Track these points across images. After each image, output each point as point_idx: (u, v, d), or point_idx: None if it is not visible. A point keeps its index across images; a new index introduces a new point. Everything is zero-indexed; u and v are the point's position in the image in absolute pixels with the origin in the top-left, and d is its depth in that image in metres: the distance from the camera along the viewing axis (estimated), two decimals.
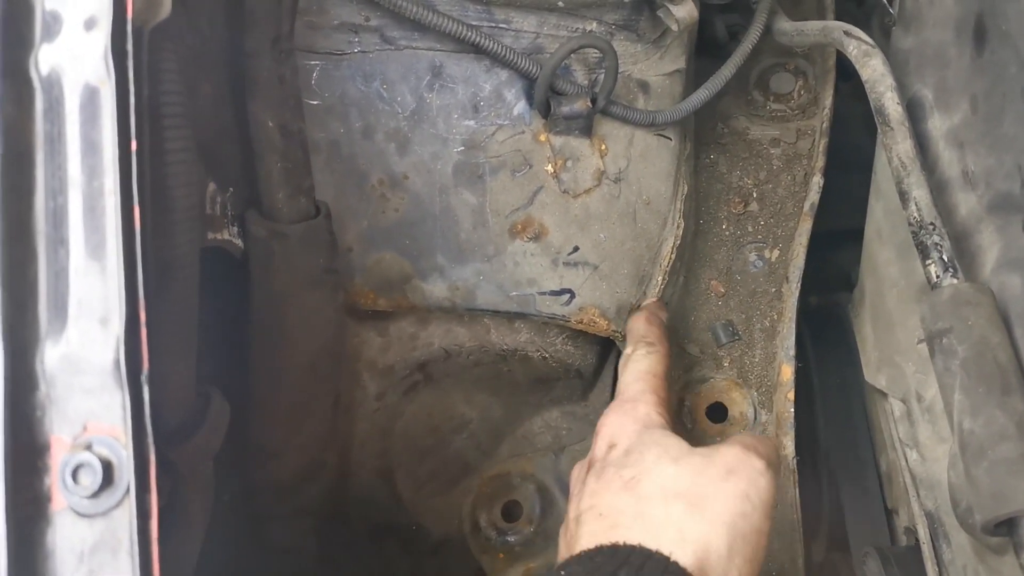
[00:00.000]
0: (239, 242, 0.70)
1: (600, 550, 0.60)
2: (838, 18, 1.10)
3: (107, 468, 0.42)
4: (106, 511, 0.41)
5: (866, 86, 0.80)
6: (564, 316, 0.86)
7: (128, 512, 0.41)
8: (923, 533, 0.83)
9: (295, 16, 0.71)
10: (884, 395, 0.94)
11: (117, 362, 0.43)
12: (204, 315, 0.68)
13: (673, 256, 0.91)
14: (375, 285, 0.82)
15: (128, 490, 0.41)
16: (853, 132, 1.08)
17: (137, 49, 0.46)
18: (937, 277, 0.68)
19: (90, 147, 0.44)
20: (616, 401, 0.79)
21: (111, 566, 0.41)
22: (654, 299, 0.90)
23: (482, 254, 0.84)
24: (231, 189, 0.69)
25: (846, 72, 1.06)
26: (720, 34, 1.03)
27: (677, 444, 0.70)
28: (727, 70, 0.91)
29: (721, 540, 0.62)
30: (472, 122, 0.82)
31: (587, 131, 0.85)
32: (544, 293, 0.86)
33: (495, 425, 1.00)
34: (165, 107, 0.49)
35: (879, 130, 0.78)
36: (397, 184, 0.82)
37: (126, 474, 0.42)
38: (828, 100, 1.01)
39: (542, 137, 0.84)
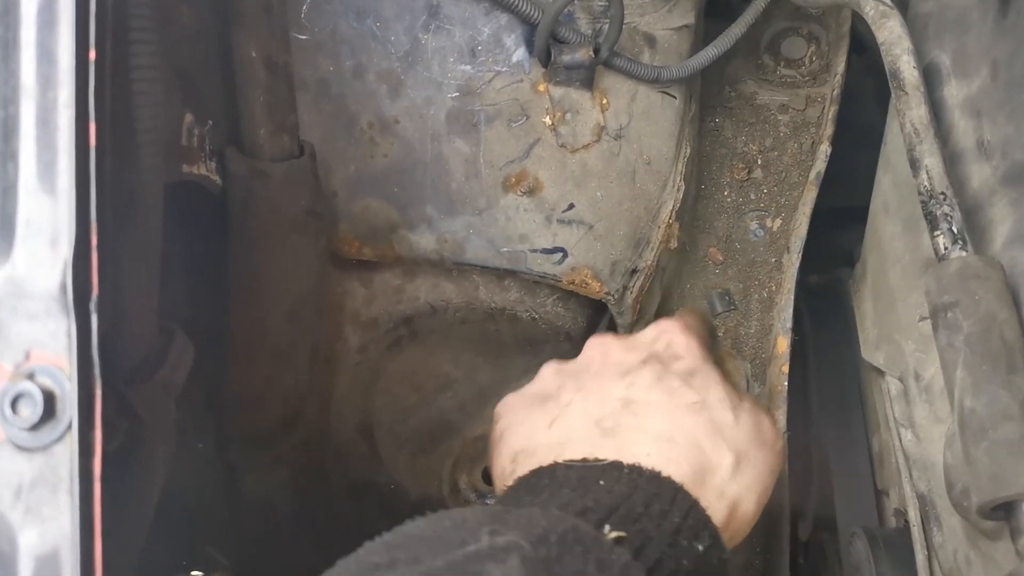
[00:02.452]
0: (217, 178, 0.67)
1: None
2: None
3: (49, 399, 0.39)
4: (46, 445, 0.39)
5: (881, 49, 0.76)
6: (555, 275, 0.83)
7: (70, 448, 0.38)
8: (913, 515, 0.81)
9: None
10: (881, 373, 0.91)
11: (64, 286, 0.40)
12: (179, 252, 0.65)
13: (672, 220, 0.88)
14: (360, 233, 0.79)
15: (71, 424, 0.39)
16: (864, 108, 1.04)
17: None
18: (945, 249, 0.65)
19: (45, 54, 0.41)
20: (675, 318, 0.76)
21: (50, 503, 0.38)
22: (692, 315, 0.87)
23: (473, 206, 0.81)
24: (210, 122, 0.66)
25: (860, 44, 1.02)
26: None
27: (732, 392, 0.69)
28: (737, 28, 0.88)
29: (749, 506, 0.64)
30: (468, 67, 0.79)
31: (588, 83, 0.81)
32: (536, 250, 0.83)
33: (480, 386, 0.97)
34: (133, 19, 0.46)
35: (893, 95, 0.74)
36: (387, 128, 0.78)
37: (69, 407, 0.39)
38: (840, 67, 0.97)
39: (541, 87, 0.81)
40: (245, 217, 0.69)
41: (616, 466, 0.59)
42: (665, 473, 0.59)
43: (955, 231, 0.65)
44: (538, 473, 0.61)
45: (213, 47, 0.67)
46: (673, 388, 0.66)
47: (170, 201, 0.58)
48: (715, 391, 0.67)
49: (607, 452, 0.61)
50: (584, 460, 0.60)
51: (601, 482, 0.58)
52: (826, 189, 0.97)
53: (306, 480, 0.90)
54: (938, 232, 0.66)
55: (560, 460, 0.61)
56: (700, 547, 0.56)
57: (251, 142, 0.67)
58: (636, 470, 0.59)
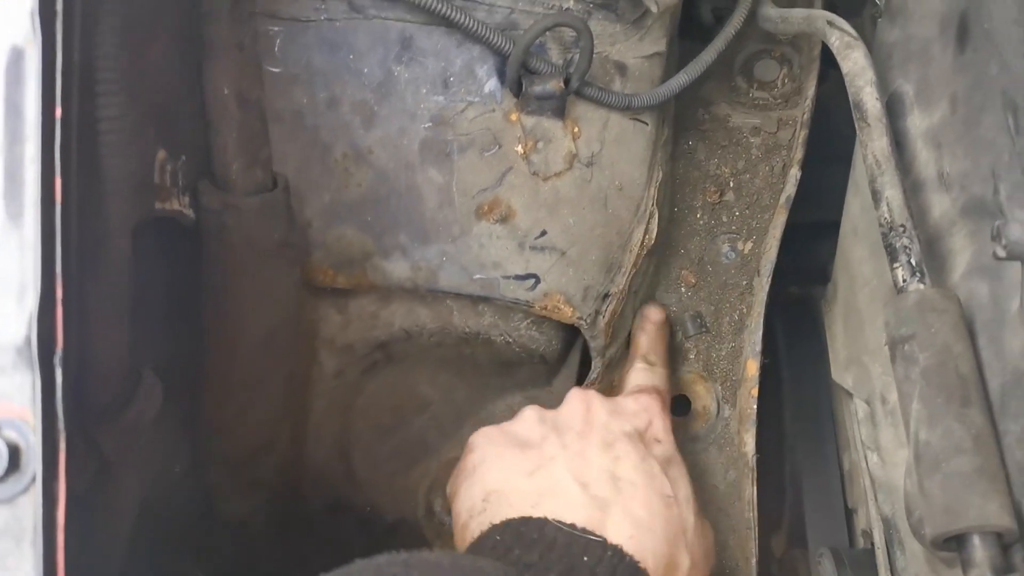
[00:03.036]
0: (190, 212, 0.68)
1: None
2: (832, 6, 1.08)
3: (14, 453, 0.40)
4: (11, 497, 0.40)
5: (846, 79, 0.78)
6: (528, 301, 0.85)
7: (34, 499, 0.39)
8: (878, 538, 0.82)
9: None
10: (850, 395, 0.93)
11: (29, 340, 0.41)
12: (153, 287, 0.66)
13: (645, 244, 0.90)
14: (334, 262, 0.80)
15: (35, 477, 0.40)
16: (843, 122, 1.06)
17: (68, 8, 0.44)
18: (904, 281, 0.66)
19: (13, 110, 0.42)
20: (658, 397, 0.79)
21: (14, 555, 0.39)
22: (657, 313, 0.92)
23: (447, 234, 0.82)
24: (183, 157, 0.67)
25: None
26: (705, 17, 1.00)
27: (693, 491, 0.74)
28: (707, 55, 0.89)
29: None
30: (441, 98, 0.80)
31: (560, 112, 0.82)
32: (509, 277, 0.84)
33: (457, 407, 0.98)
34: (100, 72, 0.47)
35: (856, 125, 0.76)
36: (362, 158, 0.79)
37: (34, 460, 0.40)
38: (811, 91, 0.99)
39: (513, 116, 0.82)
40: (218, 250, 0.70)
41: (602, 544, 0.61)
42: (642, 564, 0.61)
43: (913, 263, 0.67)
44: (527, 524, 0.62)
45: (186, 81, 0.68)
46: (654, 474, 0.69)
47: (142, 238, 0.59)
48: (683, 488, 0.71)
49: (591, 522, 0.63)
50: (572, 526, 0.62)
51: (585, 558, 0.60)
52: (806, 205, 0.98)
53: (283, 501, 0.91)
54: (897, 264, 0.68)
55: (545, 516, 0.62)
56: None
57: (224, 176, 0.69)
58: (618, 554, 0.61)
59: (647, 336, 0.89)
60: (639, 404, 0.78)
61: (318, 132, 0.78)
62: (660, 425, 0.76)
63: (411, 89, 0.79)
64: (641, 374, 0.85)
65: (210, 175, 0.70)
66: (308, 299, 0.83)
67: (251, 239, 0.70)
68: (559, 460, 0.68)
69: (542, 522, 0.62)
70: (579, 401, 0.75)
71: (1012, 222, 0.56)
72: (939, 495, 0.57)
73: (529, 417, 0.74)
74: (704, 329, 0.95)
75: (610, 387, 0.94)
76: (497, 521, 0.64)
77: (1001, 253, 0.56)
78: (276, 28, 0.75)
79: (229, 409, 0.77)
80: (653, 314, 0.92)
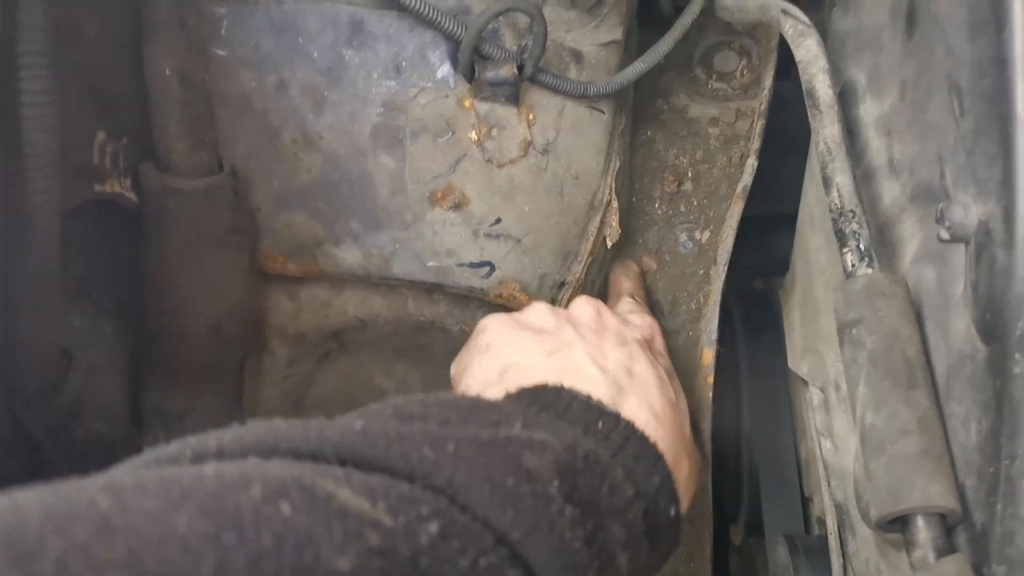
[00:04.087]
0: (132, 195, 0.67)
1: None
2: None
3: None
4: None
5: (799, 67, 0.78)
6: (483, 289, 0.84)
7: None
8: (831, 523, 0.82)
9: None
10: (806, 383, 0.93)
11: None
12: (94, 270, 0.65)
13: (608, 236, 0.89)
14: (285, 249, 0.79)
15: None
16: (800, 117, 1.06)
17: None
18: (853, 266, 0.66)
19: None
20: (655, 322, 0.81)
21: None
22: (637, 266, 0.94)
23: (400, 221, 0.81)
24: (125, 139, 0.66)
25: None
26: (664, 6, 1.00)
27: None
28: (665, 44, 0.89)
29: (685, 506, 0.69)
30: (393, 83, 0.79)
31: (514, 99, 0.82)
32: (463, 264, 0.83)
33: None
34: (23, 44, 0.45)
35: (809, 113, 0.76)
36: (312, 144, 0.78)
37: None
38: (768, 81, 0.99)
39: (466, 103, 0.81)
40: (162, 235, 0.68)
41: (617, 417, 0.62)
42: (653, 443, 0.63)
43: (862, 248, 0.67)
44: (544, 390, 0.63)
45: (128, 61, 0.67)
46: (663, 379, 0.71)
47: (80, 221, 0.58)
48: (683, 401, 0.74)
49: (610, 401, 0.64)
50: (589, 397, 0.63)
51: (600, 424, 0.61)
52: (768, 196, 0.98)
53: None
54: (846, 249, 0.68)
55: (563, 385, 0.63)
56: (671, 513, 0.61)
57: (167, 158, 0.67)
58: (631, 428, 0.62)
59: (632, 279, 0.89)
60: (643, 319, 0.80)
61: (267, 116, 0.77)
62: (661, 343, 0.79)
63: (362, 74, 0.78)
64: (632, 305, 0.85)
65: (153, 157, 0.68)
66: (258, 286, 0.82)
67: (196, 224, 0.68)
68: (578, 346, 0.68)
69: (559, 389, 0.62)
70: (589, 305, 0.75)
71: (955, 204, 0.56)
72: (884, 477, 0.57)
73: (541, 309, 0.74)
74: (660, 316, 0.94)
75: None
76: (513, 391, 0.63)
77: (944, 235, 0.56)
78: (222, 9, 0.73)
79: (177, 400, 0.76)
80: (644, 262, 0.94)
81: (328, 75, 0.77)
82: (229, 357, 0.77)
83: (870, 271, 0.66)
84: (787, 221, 1.04)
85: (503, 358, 0.68)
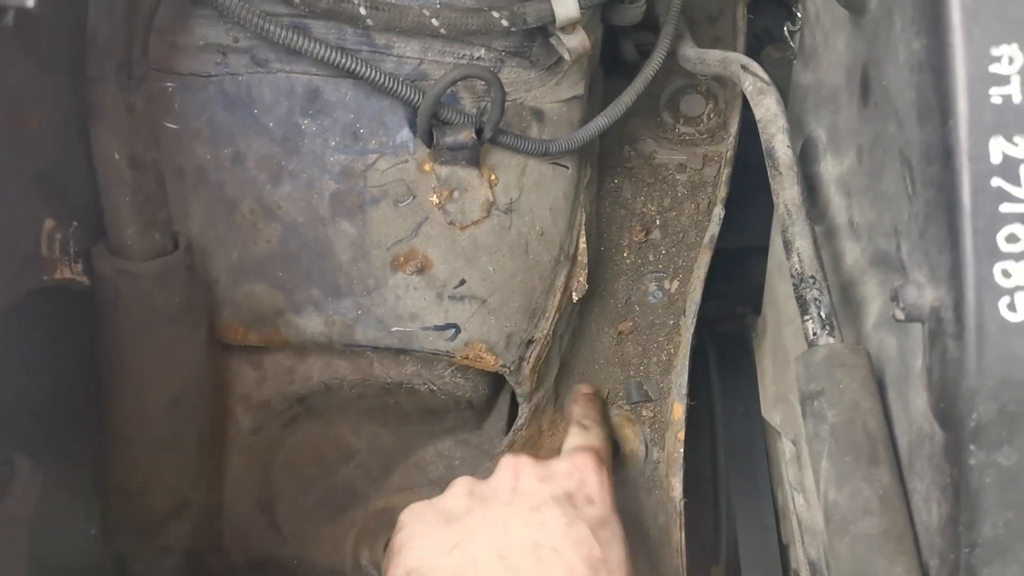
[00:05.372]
0: (84, 279, 0.66)
1: None
2: (759, 36, 1.08)
3: None
4: None
5: (759, 125, 0.77)
6: (449, 352, 0.83)
7: None
8: None
9: (147, 38, 0.66)
10: (779, 433, 0.93)
11: None
12: (45, 354, 0.64)
13: (575, 289, 0.89)
14: (245, 319, 0.78)
15: None
16: None
17: None
18: (814, 335, 0.66)
19: None
20: (593, 455, 0.79)
21: None
22: (587, 388, 0.92)
23: (362, 287, 0.80)
24: (75, 223, 0.65)
25: None
26: (629, 54, 1.00)
27: (628, 555, 0.73)
28: (627, 97, 0.89)
29: None
30: (352, 150, 0.78)
31: (474, 161, 0.81)
32: (428, 328, 0.82)
33: (385, 454, 0.97)
34: None
35: (769, 173, 0.75)
36: (270, 214, 0.78)
37: None
38: (734, 127, 0.99)
39: (427, 167, 0.80)
40: (115, 316, 0.68)
41: None
42: None
43: (823, 316, 0.66)
44: None
45: (77, 145, 0.66)
46: (581, 539, 0.68)
47: (28, 309, 0.57)
48: (616, 550, 0.70)
49: None
50: None
51: None
52: (736, 230, 0.98)
53: (202, 562, 0.89)
54: (807, 316, 0.67)
55: None
56: None
57: (118, 242, 0.66)
58: None
59: (579, 404, 0.89)
60: (572, 464, 0.77)
61: (223, 188, 0.76)
62: (594, 483, 0.75)
63: (319, 142, 0.77)
64: (576, 437, 0.84)
65: (105, 240, 0.67)
66: (220, 356, 0.81)
67: (150, 304, 0.67)
68: (479, 533, 0.68)
69: None
70: (508, 468, 0.74)
71: (909, 284, 0.55)
72: (847, 558, 0.57)
73: (458, 490, 0.74)
74: (648, 399, 0.93)
75: (538, 432, 0.93)
76: None
77: (900, 316, 0.55)
78: (173, 84, 0.72)
79: (137, 473, 0.75)
80: (583, 388, 0.93)
81: (285, 145, 0.77)
82: (187, 431, 0.76)
83: (831, 340, 0.65)
84: (761, 253, 1.03)
85: (408, 562, 0.68)
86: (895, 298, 0.56)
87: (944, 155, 0.50)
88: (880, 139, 0.64)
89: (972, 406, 0.48)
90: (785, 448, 0.90)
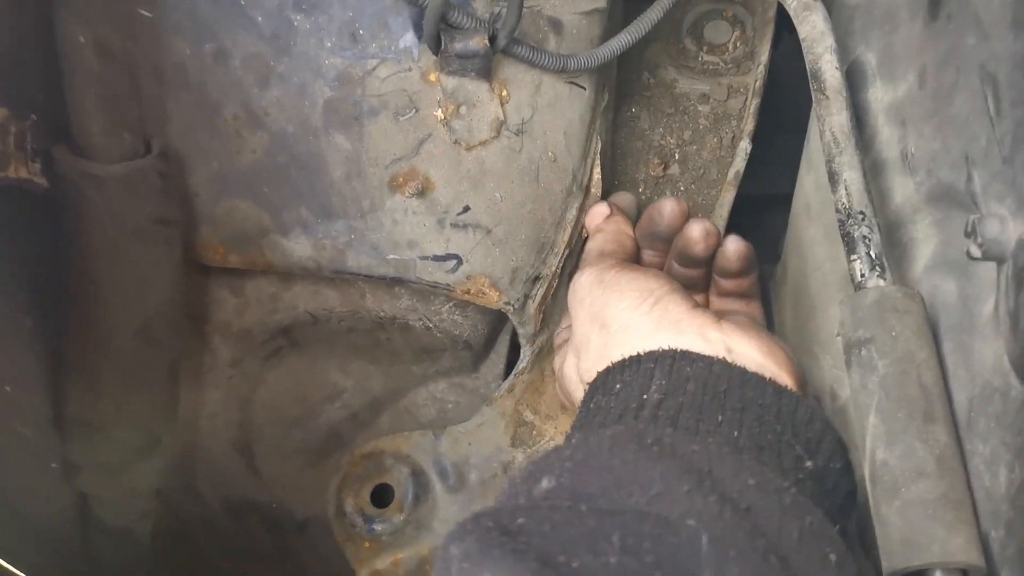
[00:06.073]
0: (43, 180, 0.58)
1: None
2: None
3: None
4: None
5: (803, 44, 0.70)
6: (448, 285, 0.76)
7: None
8: None
9: None
10: None
11: None
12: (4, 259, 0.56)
13: (580, 220, 0.82)
14: (226, 238, 0.70)
15: None
16: (798, 88, 0.98)
17: None
18: (862, 276, 0.59)
19: None
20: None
21: None
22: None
23: (356, 209, 0.72)
24: (34, 116, 0.57)
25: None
26: None
27: None
28: (653, 13, 0.80)
29: None
30: (348, 53, 0.70)
31: (485, 73, 0.73)
32: (426, 258, 0.75)
33: (374, 396, 0.90)
34: None
35: (813, 97, 0.68)
36: (256, 121, 0.69)
37: None
38: (764, 56, 0.91)
39: (432, 77, 0.72)
40: (79, 227, 0.60)
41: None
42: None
43: (873, 256, 0.60)
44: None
45: (35, 28, 0.57)
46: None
47: None
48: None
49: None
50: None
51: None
52: (756, 175, 0.91)
53: (175, 504, 0.82)
54: (855, 256, 0.60)
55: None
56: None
57: (83, 141, 0.58)
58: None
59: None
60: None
61: (204, 90, 0.67)
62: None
63: (313, 42, 0.69)
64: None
65: (68, 139, 0.59)
66: (197, 279, 0.73)
67: (117, 214, 0.60)
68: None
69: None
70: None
71: (989, 217, 0.48)
72: (898, 524, 0.51)
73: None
74: None
75: (540, 377, 0.86)
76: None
77: (976, 253, 0.48)
78: None
79: (102, 406, 0.68)
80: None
81: (274, 43, 0.68)
82: (158, 361, 0.68)
83: (882, 283, 0.59)
84: (774, 202, 0.96)
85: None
86: (971, 232, 0.49)
87: None
88: (952, 56, 0.57)
89: None
90: None
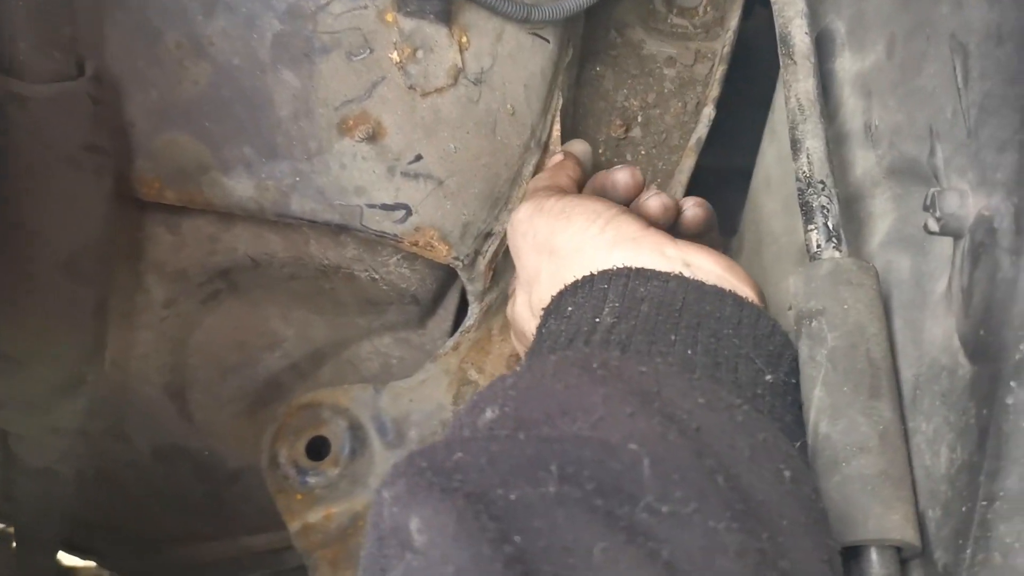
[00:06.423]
0: None
1: None
2: None
3: None
4: None
5: (774, 8, 0.68)
6: (396, 235, 0.73)
7: None
8: None
9: None
10: None
11: None
12: None
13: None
14: (163, 172, 0.67)
15: None
16: (766, 62, 0.96)
17: None
18: (818, 247, 0.58)
19: None
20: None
21: None
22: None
23: (302, 150, 0.69)
24: None
25: None
26: None
27: None
28: None
29: None
30: None
31: (445, 17, 0.70)
32: (374, 206, 0.72)
33: (316, 346, 0.87)
34: None
35: (781, 62, 0.66)
36: (200, 51, 0.66)
37: None
38: (733, 23, 0.89)
39: (389, 16, 0.69)
40: (1, 150, 0.56)
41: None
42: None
43: (830, 227, 0.58)
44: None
45: None
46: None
47: None
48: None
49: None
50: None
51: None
52: (717, 147, 0.89)
53: (101, 444, 0.79)
54: (812, 226, 0.59)
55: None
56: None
57: (9, 58, 0.54)
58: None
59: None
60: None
61: (145, 13, 0.64)
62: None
63: None
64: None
65: None
66: (131, 214, 0.70)
67: (43, 139, 0.56)
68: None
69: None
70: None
71: (948, 191, 0.47)
72: (836, 499, 0.50)
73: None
74: None
75: (487, 336, 0.84)
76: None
77: (934, 227, 0.47)
78: None
79: (23, 342, 0.65)
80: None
81: None
82: (84, 297, 0.65)
83: (837, 254, 0.57)
84: (734, 175, 0.95)
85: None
86: (930, 206, 0.48)
87: (1022, 34, 0.41)
88: (923, 25, 0.55)
89: (1023, 335, 0.40)
90: None
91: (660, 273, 0.55)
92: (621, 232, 0.60)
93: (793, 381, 0.54)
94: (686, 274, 0.56)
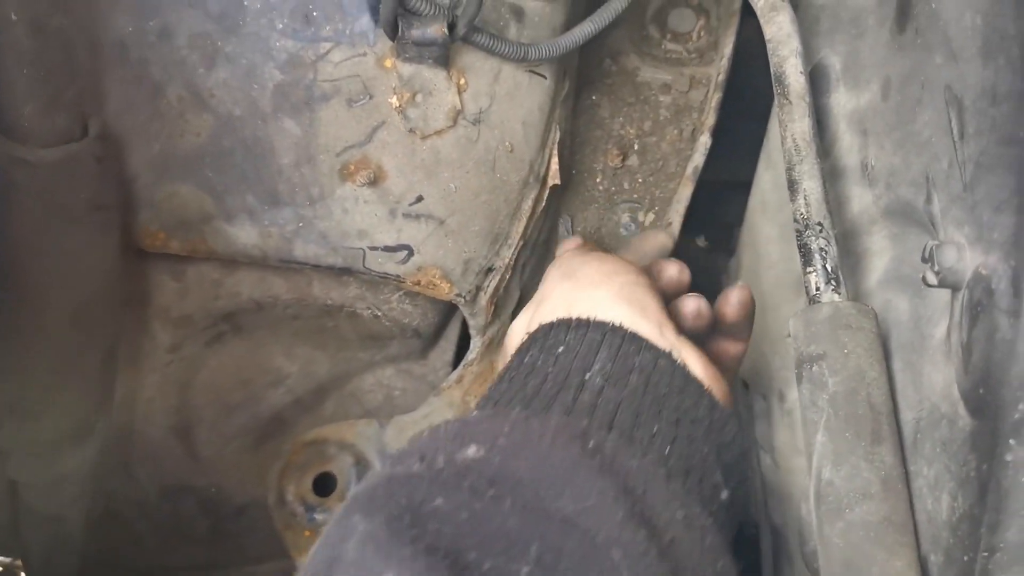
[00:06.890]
0: None
1: None
2: None
3: None
4: None
5: (768, 46, 0.69)
6: (399, 276, 0.74)
7: None
8: (765, 546, 0.76)
9: None
10: (746, 385, 0.86)
11: None
12: None
13: (536, 211, 0.80)
14: (166, 224, 0.68)
15: None
16: (761, 75, 0.96)
17: None
18: (817, 290, 0.59)
19: None
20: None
21: None
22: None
23: (304, 196, 0.70)
24: None
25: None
26: None
27: None
28: (618, 2, 0.78)
29: None
30: (301, 35, 0.67)
31: (443, 61, 0.71)
32: (377, 248, 0.73)
33: (319, 381, 0.88)
34: None
35: (776, 100, 0.67)
36: (201, 103, 0.66)
37: None
38: (728, 48, 0.89)
39: (388, 63, 0.70)
40: (8, 214, 0.56)
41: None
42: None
43: (829, 269, 0.59)
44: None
45: None
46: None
47: None
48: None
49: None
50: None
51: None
52: (719, 162, 0.89)
53: (109, 484, 0.80)
54: (811, 269, 0.60)
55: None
56: None
57: (14, 122, 0.55)
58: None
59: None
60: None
61: (147, 68, 0.64)
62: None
63: (264, 22, 0.66)
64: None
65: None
66: (136, 263, 0.70)
67: (50, 201, 0.57)
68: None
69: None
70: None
71: (946, 245, 0.48)
72: (840, 546, 0.51)
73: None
74: None
75: (490, 368, 0.85)
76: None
77: (932, 280, 0.48)
78: None
79: (32, 395, 0.65)
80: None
81: (222, 22, 0.65)
82: (92, 347, 0.65)
83: (836, 297, 0.58)
84: (736, 189, 0.95)
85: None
86: (928, 259, 0.49)
87: (1019, 99, 0.42)
88: (918, 72, 0.56)
89: (1022, 396, 0.41)
90: (753, 402, 0.84)
91: (652, 347, 0.56)
92: (637, 295, 0.60)
93: (739, 493, 0.56)
94: (674, 356, 0.57)
